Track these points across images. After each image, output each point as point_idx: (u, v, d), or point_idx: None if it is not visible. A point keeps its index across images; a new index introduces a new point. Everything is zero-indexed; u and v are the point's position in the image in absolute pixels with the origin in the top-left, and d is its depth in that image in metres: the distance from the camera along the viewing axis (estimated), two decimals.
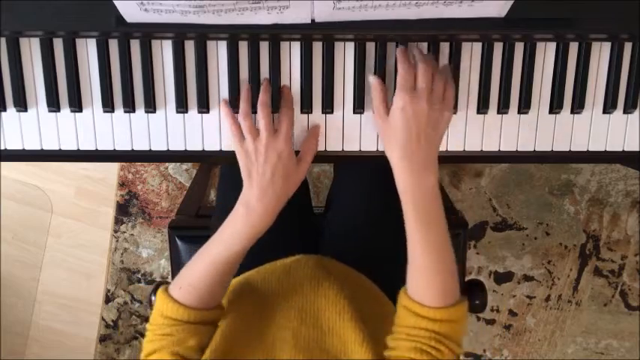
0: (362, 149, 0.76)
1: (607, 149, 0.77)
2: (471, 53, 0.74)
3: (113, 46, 0.71)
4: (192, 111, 0.74)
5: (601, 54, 0.75)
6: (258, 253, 0.75)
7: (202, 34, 0.70)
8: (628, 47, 0.74)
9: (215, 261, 0.70)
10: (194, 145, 0.75)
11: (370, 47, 0.73)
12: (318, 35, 0.71)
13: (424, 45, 0.73)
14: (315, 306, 0.76)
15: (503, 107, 0.75)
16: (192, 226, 1.12)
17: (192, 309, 0.70)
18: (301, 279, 0.81)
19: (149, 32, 0.70)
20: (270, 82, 0.73)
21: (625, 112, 0.76)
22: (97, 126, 0.74)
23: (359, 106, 0.74)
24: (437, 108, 0.67)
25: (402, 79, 0.67)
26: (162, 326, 0.70)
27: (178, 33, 0.70)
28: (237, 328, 0.72)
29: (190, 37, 0.71)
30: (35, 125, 0.74)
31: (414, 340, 0.65)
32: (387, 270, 0.86)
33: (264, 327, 0.73)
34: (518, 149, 0.77)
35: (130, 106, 0.73)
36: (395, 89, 0.69)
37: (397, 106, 0.67)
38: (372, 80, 0.71)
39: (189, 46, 0.72)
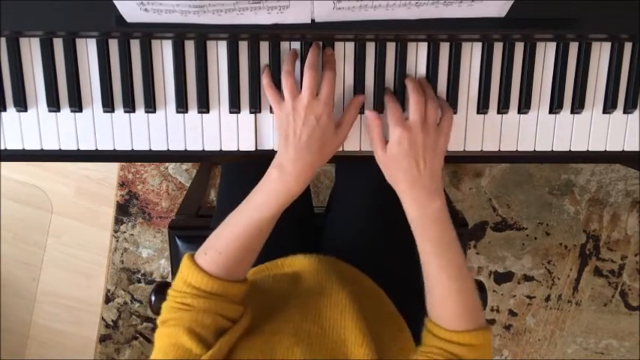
0: (362, 149, 0.76)
1: (607, 149, 0.77)
2: (471, 53, 0.74)
3: (113, 46, 0.71)
4: (192, 111, 0.74)
5: (601, 54, 0.75)
6: None
7: (202, 34, 0.70)
8: (628, 47, 0.74)
9: (244, 227, 0.69)
10: (194, 145, 0.75)
11: (370, 47, 0.73)
12: (318, 35, 0.71)
13: (424, 47, 0.73)
14: (318, 304, 0.76)
15: (503, 107, 0.75)
16: (192, 226, 1.12)
17: (215, 278, 0.68)
18: (308, 283, 0.81)
19: (149, 32, 0.70)
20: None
21: (625, 112, 0.76)
22: (97, 126, 0.74)
23: None
24: (432, 134, 0.68)
25: (392, 114, 0.69)
26: (183, 295, 0.67)
27: (178, 33, 0.70)
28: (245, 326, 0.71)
29: (190, 37, 0.71)
30: (35, 125, 0.74)
31: (427, 355, 0.66)
32: (389, 268, 0.87)
33: (267, 322, 0.72)
34: (518, 149, 0.77)
35: (130, 106, 0.73)
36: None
37: (393, 139, 0.68)
38: (367, 114, 0.72)
39: (189, 46, 0.72)
